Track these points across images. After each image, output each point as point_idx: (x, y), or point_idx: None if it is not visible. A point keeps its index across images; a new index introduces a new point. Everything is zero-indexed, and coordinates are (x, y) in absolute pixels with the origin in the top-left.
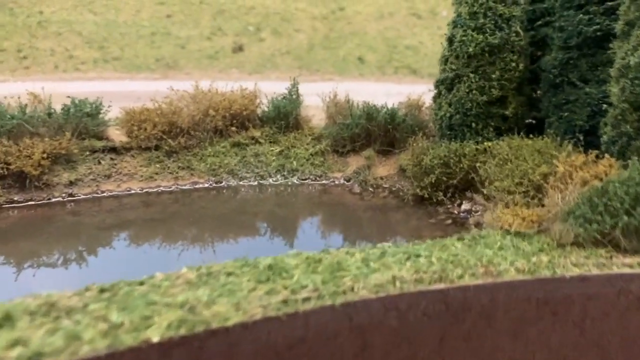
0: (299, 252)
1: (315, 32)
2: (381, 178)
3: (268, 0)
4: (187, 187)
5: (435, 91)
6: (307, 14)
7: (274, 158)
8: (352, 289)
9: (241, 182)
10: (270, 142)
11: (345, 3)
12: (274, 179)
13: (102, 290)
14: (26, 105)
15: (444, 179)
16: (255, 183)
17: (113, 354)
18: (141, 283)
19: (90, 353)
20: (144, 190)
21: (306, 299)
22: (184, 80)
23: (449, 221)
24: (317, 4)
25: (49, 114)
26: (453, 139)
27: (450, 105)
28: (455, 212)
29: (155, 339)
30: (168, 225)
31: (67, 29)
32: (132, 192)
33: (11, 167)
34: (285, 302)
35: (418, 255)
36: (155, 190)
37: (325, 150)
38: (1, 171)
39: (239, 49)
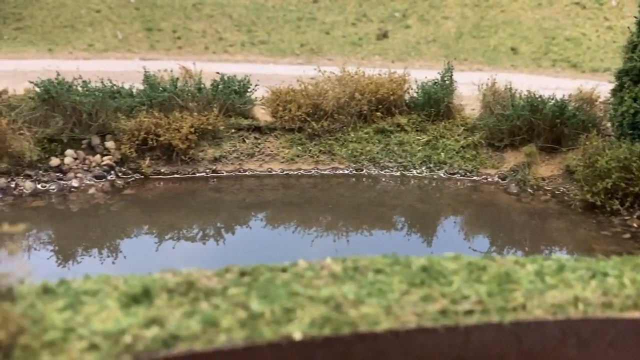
0: (458, 255)
1: (464, 19)
2: (543, 179)
3: None
4: (327, 172)
5: (617, 83)
6: (457, 1)
7: (419, 148)
8: (524, 307)
9: (382, 172)
10: (417, 130)
11: None
12: (419, 171)
13: (242, 274)
14: (177, 79)
15: (623, 185)
16: (398, 174)
17: (250, 348)
18: (284, 270)
19: (226, 343)
20: (285, 172)
21: (468, 312)
22: (326, 65)
23: (627, 235)
24: None
25: (199, 89)
26: (637, 139)
27: (635, 100)
28: (635, 225)
29: (297, 336)
30: (304, 210)
31: (218, 12)
32: (273, 172)
33: (160, 139)
34: (443, 312)
35: (605, 274)
36: (295, 172)
37: (478, 143)
38: (151, 142)
39: (383, 35)
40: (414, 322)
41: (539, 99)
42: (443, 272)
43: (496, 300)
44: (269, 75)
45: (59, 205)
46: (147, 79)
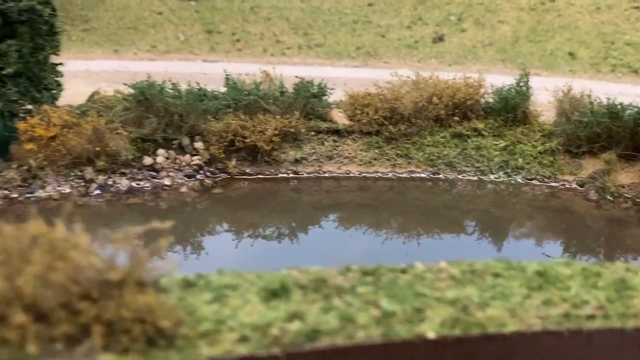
0: (570, 261)
1: (521, 24)
2: (622, 186)
3: None
4: (403, 175)
5: None
6: (513, 5)
7: (497, 153)
8: None
9: (459, 176)
10: (494, 135)
11: None
12: (496, 176)
13: (364, 273)
14: (261, 82)
15: None
16: (475, 178)
17: (386, 344)
18: (403, 271)
19: (364, 339)
20: (362, 175)
21: (590, 317)
22: (382, 68)
23: None
24: None
25: (282, 93)
26: None
27: None
28: None
29: (431, 335)
30: (378, 212)
31: (276, 15)
32: (351, 175)
33: (246, 140)
34: (566, 316)
35: None
36: (373, 175)
37: (555, 149)
38: (238, 144)
39: (439, 39)
40: (538, 324)
41: (619, 106)
42: (559, 277)
43: (616, 306)
44: (330, 78)
45: (152, 203)
46: (229, 82)
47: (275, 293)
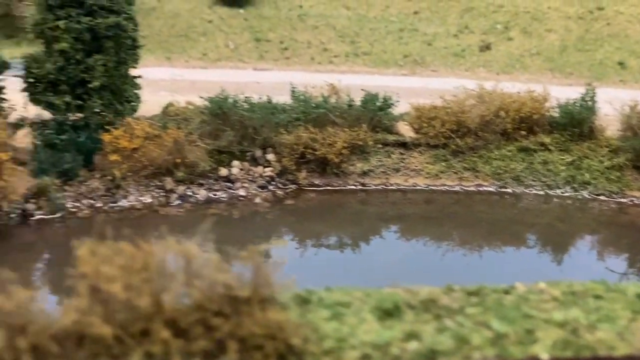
0: None
1: (568, 32)
2: None
3: None
4: (470, 188)
5: None
6: (561, 13)
7: (563, 168)
8: None
9: (526, 190)
10: (560, 150)
11: (604, 2)
12: (562, 191)
13: (469, 294)
14: (329, 96)
15: None
16: (542, 193)
17: None
18: (506, 292)
19: None
20: (429, 187)
21: None
22: (430, 77)
23: None
24: (572, 3)
25: (350, 105)
26: None
27: None
28: None
29: (544, 356)
30: (441, 225)
31: (323, 23)
32: (418, 187)
33: (317, 153)
34: None
35: None
36: (439, 188)
37: (623, 165)
38: (309, 156)
39: (486, 47)
40: None
41: None
42: None
43: None
44: (381, 86)
45: (230, 213)
46: (295, 94)
47: (389, 312)
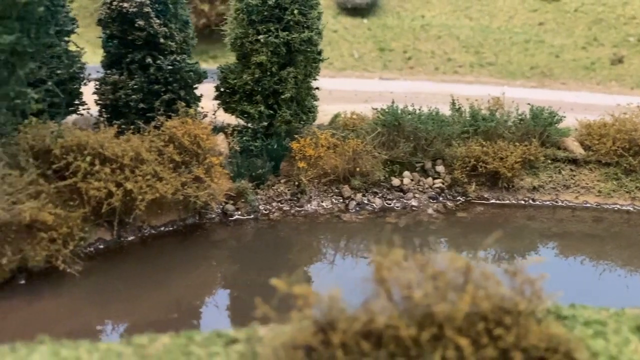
0: None
1: None
2: None
3: None
4: None
5: None
6: None
7: None
8: None
9: None
10: None
11: None
12: None
13: None
14: (497, 109)
15: None
16: None
17: None
18: None
19: None
20: (600, 206)
21: None
22: (560, 90)
23: None
24: None
25: (521, 120)
26: None
27: None
28: None
29: None
30: (602, 244)
31: (445, 33)
32: (588, 205)
33: (488, 166)
34: None
35: None
36: (611, 207)
37: None
38: (480, 169)
39: (618, 61)
40: None
41: None
42: None
43: None
44: (508, 98)
45: (407, 223)
46: (454, 106)
47: None
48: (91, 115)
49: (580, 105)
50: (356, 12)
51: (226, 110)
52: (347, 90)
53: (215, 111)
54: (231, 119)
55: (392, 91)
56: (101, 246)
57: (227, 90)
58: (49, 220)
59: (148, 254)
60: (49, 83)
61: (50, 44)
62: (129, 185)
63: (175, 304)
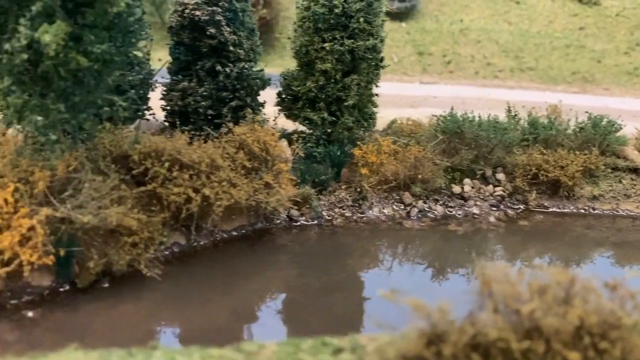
0: None
1: None
2: None
3: None
4: None
5: None
6: None
7: None
8: None
9: None
10: None
11: None
12: None
13: None
14: (555, 117)
15: None
16: None
17: None
18: None
19: None
20: None
21: None
22: (603, 96)
23: None
24: None
25: (581, 128)
26: None
27: None
28: None
29: None
30: None
31: (485, 37)
32: None
33: (549, 175)
34: None
35: None
36: None
37: None
38: (541, 177)
39: None
40: None
41: None
42: None
43: None
44: (551, 104)
45: (471, 230)
46: (509, 113)
47: None
48: (156, 120)
49: (627, 112)
50: (395, 16)
51: (288, 116)
52: (391, 95)
53: (276, 117)
54: (288, 125)
55: (436, 96)
56: (176, 250)
57: (289, 97)
58: (133, 225)
59: (220, 258)
60: (132, 90)
61: (131, 51)
62: (206, 191)
63: (242, 309)
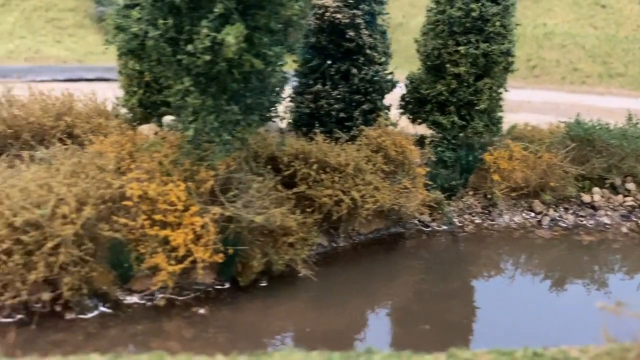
0: None
1: None
2: None
3: None
4: None
5: None
6: None
7: None
8: None
9: None
10: None
11: None
12: None
13: None
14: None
15: None
16: None
17: None
18: None
19: None
20: None
21: None
22: None
23: None
24: None
25: None
26: None
27: None
28: None
29: None
30: None
31: (570, 42)
32: None
33: None
34: None
35: None
36: None
37: None
38: None
39: None
40: None
41: None
42: None
43: None
44: None
45: (604, 240)
46: (630, 120)
47: None
48: (274, 122)
49: None
50: None
51: (414, 120)
52: None
53: (398, 120)
54: (409, 128)
55: (529, 100)
56: (321, 251)
57: (415, 100)
58: (292, 225)
59: (358, 261)
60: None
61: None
62: (354, 194)
63: (378, 312)
